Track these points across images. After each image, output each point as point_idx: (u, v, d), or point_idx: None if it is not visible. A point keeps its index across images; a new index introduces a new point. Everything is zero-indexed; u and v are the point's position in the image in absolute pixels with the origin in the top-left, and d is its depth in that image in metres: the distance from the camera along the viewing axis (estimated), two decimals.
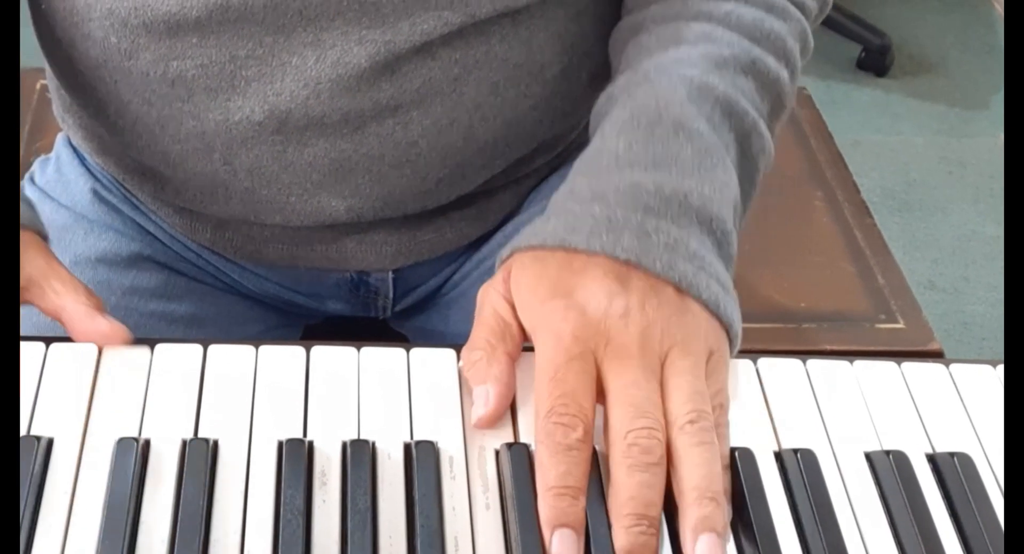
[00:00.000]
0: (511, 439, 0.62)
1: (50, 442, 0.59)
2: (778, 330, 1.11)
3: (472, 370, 0.64)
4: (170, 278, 0.92)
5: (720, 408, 0.62)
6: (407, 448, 0.60)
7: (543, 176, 0.93)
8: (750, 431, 0.64)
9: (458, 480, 0.59)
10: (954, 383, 0.68)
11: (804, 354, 0.68)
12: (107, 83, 0.81)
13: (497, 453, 0.61)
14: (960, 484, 0.62)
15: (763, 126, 0.74)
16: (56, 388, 0.62)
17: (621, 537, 0.57)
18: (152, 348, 0.64)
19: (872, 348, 1.09)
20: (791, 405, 0.65)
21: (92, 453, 0.59)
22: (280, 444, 0.59)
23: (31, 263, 0.67)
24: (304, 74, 0.76)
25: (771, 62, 0.76)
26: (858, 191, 1.28)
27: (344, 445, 0.60)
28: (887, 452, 0.63)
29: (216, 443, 0.60)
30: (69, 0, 0.79)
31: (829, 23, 2.68)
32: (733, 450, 0.61)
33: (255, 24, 0.75)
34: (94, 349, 0.64)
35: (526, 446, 0.60)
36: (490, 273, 0.68)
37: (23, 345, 0.63)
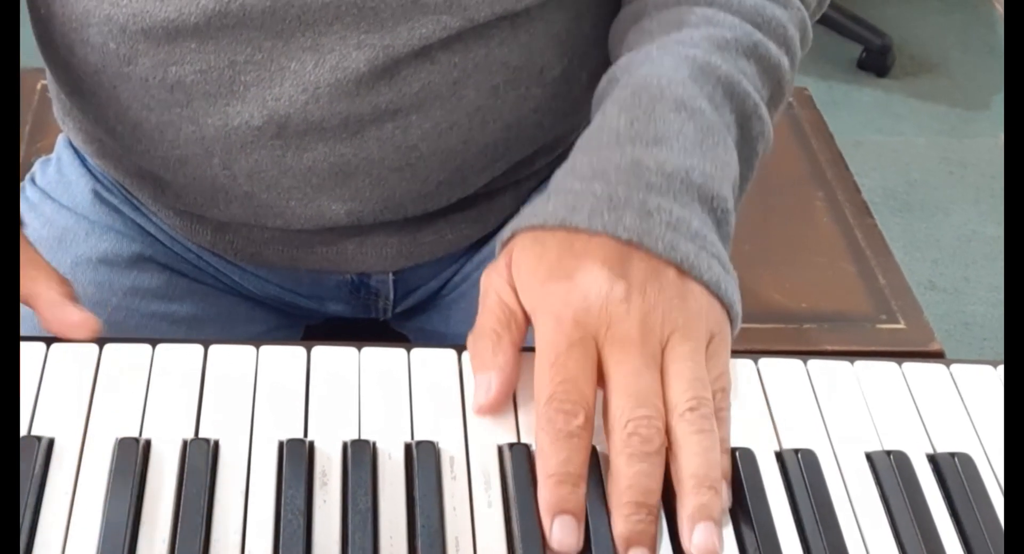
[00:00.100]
0: (512, 439, 0.62)
1: (51, 442, 0.59)
2: (779, 330, 1.11)
3: (476, 358, 0.64)
4: (171, 279, 0.92)
5: (722, 392, 0.62)
6: (408, 448, 0.60)
7: (544, 177, 0.93)
8: (751, 431, 0.64)
9: (459, 480, 0.59)
10: (955, 383, 0.68)
11: (805, 354, 0.68)
12: (106, 88, 0.81)
13: (499, 453, 0.61)
14: (961, 484, 0.62)
15: (764, 110, 0.74)
16: (57, 388, 0.62)
17: (620, 525, 0.57)
18: (153, 348, 0.64)
19: (873, 348, 1.09)
20: (792, 405, 0.65)
21: (93, 453, 0.59)
22: (281, 444, 0.59)
23: None
24: (303, 79, 0.76)
25: (772, 48, 0.76)
26: (859, 191, 1.28)
27: (345, 445, 0.60)
28: (888, 452, 0.63)
29: (217, 443, 0.60)
30: (68, 6, 0.78)
31: (830, 23, 2.68)
32: (734, 450, 0.61)
33: (254, 29, 0.74)
34: (95, 349, 0.64)
35: (527, 446, 0.60)
36: None
37: (24, 345, 0.63)
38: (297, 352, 0.65)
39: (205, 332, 0.92)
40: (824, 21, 2.65)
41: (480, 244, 0.94)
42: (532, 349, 0.63)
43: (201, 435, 0.60)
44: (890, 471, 0.62)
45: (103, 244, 0.90)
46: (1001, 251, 2.21)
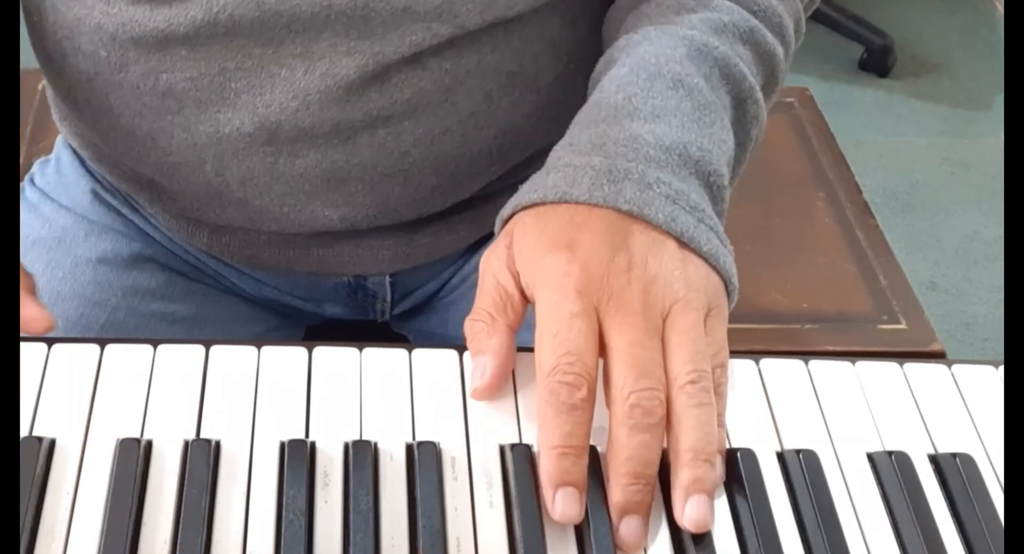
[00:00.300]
0: (514, 439, 0.62)
1: (52, 443, 0.59)
2: (780, 331, 1.11)
3: (472, 341, 0.64)
4: (171, 279, 0.92)
5: (721, 368, 0.62)
6: (409, 449, 0.60)
7: None
8: (753, 432, 0.64)
9: (460, 481, 0.59)
10: (956, 384, 0.68)
11: (806, 355, 0.68)
12: (99, 96, 0.81)
13: (500, 453, 0.61)
14: (962, 485, 0.62)
15: (759, 94, 0.74)
16: (58, 389, 0.62)
17: (617, 494, 0.58)
18: (154, 349, 0.64)
19: (874, 349, 1.09)
20: (793, 406, 0.65)
21: (94, 454, 0.59)
22: (282, 445, 0.59)
23: None
24: (293, 86, 0.76)
25: (768, 36, 0.76)
26: (860, 192, 1.28)
27: (346, 446, 0.60)
28: (889, 453, 0.63)
29: (218, 444, 0.60)
30: (59, 14, 0.79)
31: (831, 24, 2.68)
32: (735, 451, 0.61)
33: (243, 37, 0.74)
34: (96, 350, 0.64)
35: (528, 446, 0.60)
36: None
37: (25, 346, 0.63)
38: (298, 353, 0.65)
39: (205, 332, 0.92)
40: (825, 21, 2.66)
41: (478, 246, 0.94)
42: (531, 349, 0.63)
43: (202, 436, 0.60)
44: (891, 471, 0.62)
45: (103, 244, 0.90)
46: (1002, 251, 2.21)
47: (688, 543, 0.58)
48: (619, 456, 0.58)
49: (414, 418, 0.62)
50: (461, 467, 0.60)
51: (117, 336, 0.74)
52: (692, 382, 0.59)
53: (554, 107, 0.85)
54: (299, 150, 0.79)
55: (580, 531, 0.58)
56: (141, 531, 0.55)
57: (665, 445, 0.59)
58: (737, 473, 0.60)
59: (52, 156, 0.98)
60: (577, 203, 0.64)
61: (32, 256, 0.89)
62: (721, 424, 0.61)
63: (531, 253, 0.63)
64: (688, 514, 0.57)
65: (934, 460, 0.63)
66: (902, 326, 1.12)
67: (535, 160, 0.89)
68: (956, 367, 0.69)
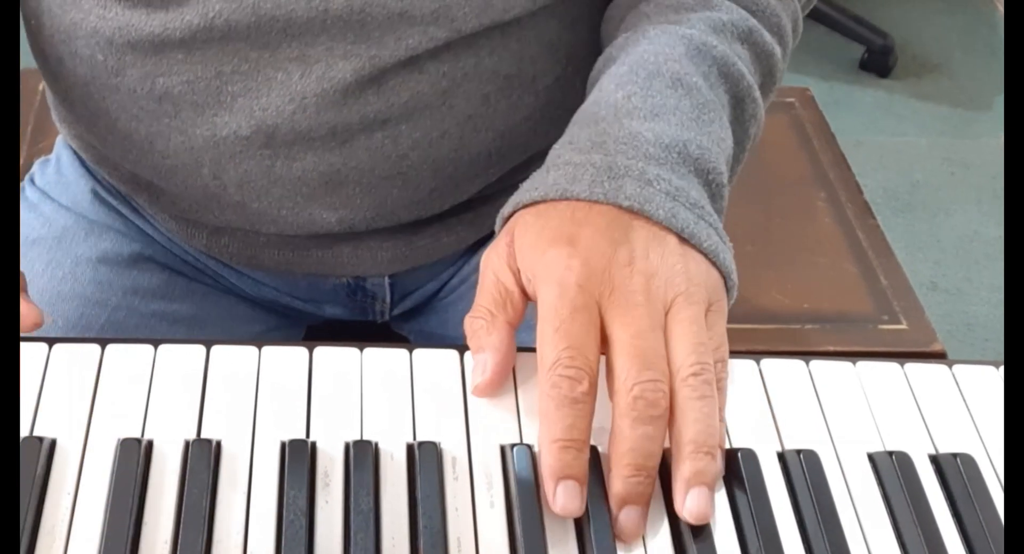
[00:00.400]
0: (515, 439, 0.62)
1: (53, 443, 0.59)
2: (781, 331, 1.11)
3: (472, 339, 0.64)
4: (171, 278, 0.92)
5: (721, 362, 0.62)
6: (410, 449, 0.60)
7: None
8: (753, 432, 0.64)
9: (461, 481, 0.59)
10: (957, 384, 0.68)
11: (807, 355, 0.68)
12: (96, 99, 0.81)
13: (501, 453, 0.61)
14: (963, 485, 0.62)
15: (757, 93, 0.75)
16: (59, 389, 0.62)
17: (618, 485, 0.58)
18: (155, 349, 0.64)
19: (875, 349, 1.09)
20: (794, 406, 0.65)
21: (95, 454, 0.59)
22: (283, 445, 0.59)
23: None
24: (290, 89, 0.76)
25: (766, 35, 0.77)
26: (861, 192, 1.28)
27: (347, 446, 0.60)
28: (890, 453, 0.63)
29: (219, 444, 0.60)
30: (56, 18, 0.79)
31: (832, 24, 2.68)
32: (736, 451, 0.61)
33: (240, 41, 0.74)
34: (97, 349, 0.64)
35: (529, 446, 0.60)
36: None
37: (26, 346, 0.63)
38: (299, 352, 0.65)
39: (205, 332, 0.92)
40: (826, 21, 2.66)
41: (477, 246, 0.93)
42: (532, 350, 0.63)
43: (203, 436, 0.60)
44: (892, 472, 0.62)
45: (103, 244, 0.90)
46: (1003, 251, 2.21)
47: (688, 543, 0.58)
48: (621, 447, 0.58)
49: (415, 418, 0.62)
50: (462, 467, 0.60)
51: (117, 336, 0.74)
52: (695, 374, 0.59)
53: (552, 109, 0.84)
54: (296, 153, 0.79)
55: (581, 531, 0.58)
56: (142, 531, 0.55)
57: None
58: (738, 473, 0.60)
59: (52, 156, 0.98)
60: (578, 200, 0.64)
61: (32, 256, 0.89)
62: (721, 419, 0.61)
63: (532, 249, 0.63)
64: (689, 506, 0.58)
65: (935, 460, 0.63)
66: (903, 326, 1.12)
67: (534, 162, 0.88)
68: (957, 367, 0.69)
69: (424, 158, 0.81)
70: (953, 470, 0.63)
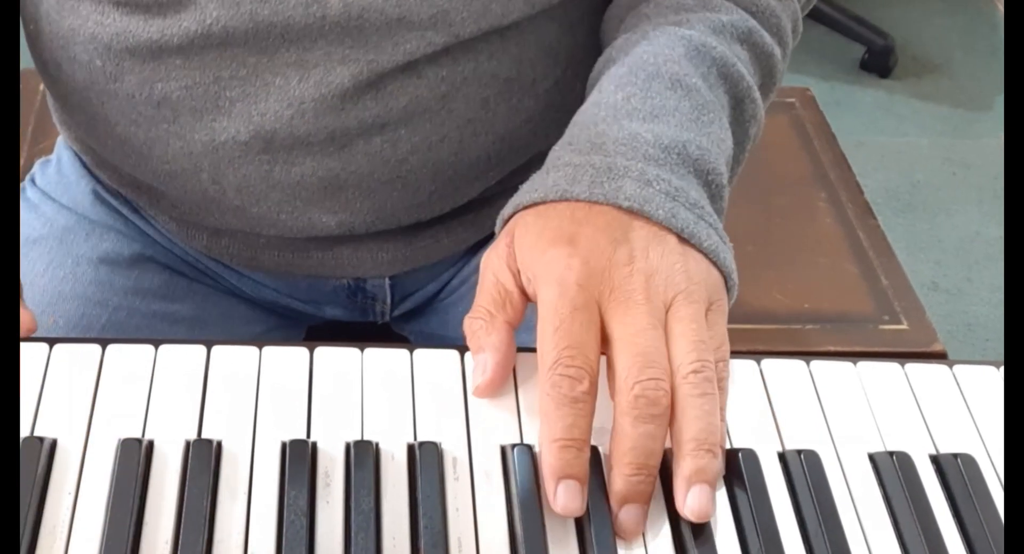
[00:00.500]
0: (515, 440, 0.62)
1: (54, 443, 0.59)
2: (781, 331, 1.11)
3: (471, 339, 0.64)
4: (171, 279, 0.92)
5: (723, 362, 0.62)
6: (411, 449, 0.60)
7: None
8: (754, 432, 0.64)
9: (462, 481, 0.59)
10: (957, 384, 0.68)
11: (807, 355, 0.68)
12: (94, 104, 0.81)
13: (502, 454, 0.61)
14: (963, 485, 0.62)
15: (757, 94, 0.75)
16: (59, 389, 0.62)
17: (619, 483, 0.58)
18: (156, 349, 0.64)
19: (875, 349, 1.09)
20: (794, 406, 0.65)
21: (96, 454, 0.59)
22: (284, 445, 0.59)
23: None
24: (288, 94, 0.76)
25: (766, 36, 0.77)
26: (861, 192, 1.28)
27: (348, 446, 0.60)
28: (891, 453, 0.63)
29: (220, 444, 0.60)
30: (54, 24, 0.79)
31: (832, 24, 2.68)
32: (737, 451, 0.61)
33: (238, 47, 0.74)
34: (97, 350, 0.64)
35: (530, 446, 0.60)
36: None
37: (26, 346, 0.63)
38: (300, 353, 0.65)
39: (206, 332, 0.92)
40: (826, 22, 2.66)
41: (477, 247, 0.93)
42: (534, 350, 0.63)
43: (204, 436, 0.60)
44: (893, 472, 0.62)
45: (104, 244, 0.90)
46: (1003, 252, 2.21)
47: (689, 543, 0.58)
48: (622, 446, 0.58)
49: (415, 418, 0.62)
50: (462, 467, 0.60)
51: (118, 336, 0.74)
52: (696, 372, 0.59)
53: (552, 112, 0.84)
54: (295, 158, 0.78)
55: (581, 531, 0.58)
56: (142, 531, 0.55)
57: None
58: (739, 473, 0.60)
59: (53, 156, 0.98)
60: (578, 201, 0.64)
61: (33, 256, 0.89)
62: (722, 418, 0.61)
63: (532, 250, 0.63)
64: (690, 504, 0.58)
65: (935, 460, 0.63)
66: (903, 326, 1.12)
67: (533, 164, 0.88)
68: (957, 367, 0.69)
69: (423, 162, 0.81)
70: (954, 470, 0.63)
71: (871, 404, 0.66)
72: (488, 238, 0.92)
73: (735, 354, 0.65)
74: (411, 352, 0.65)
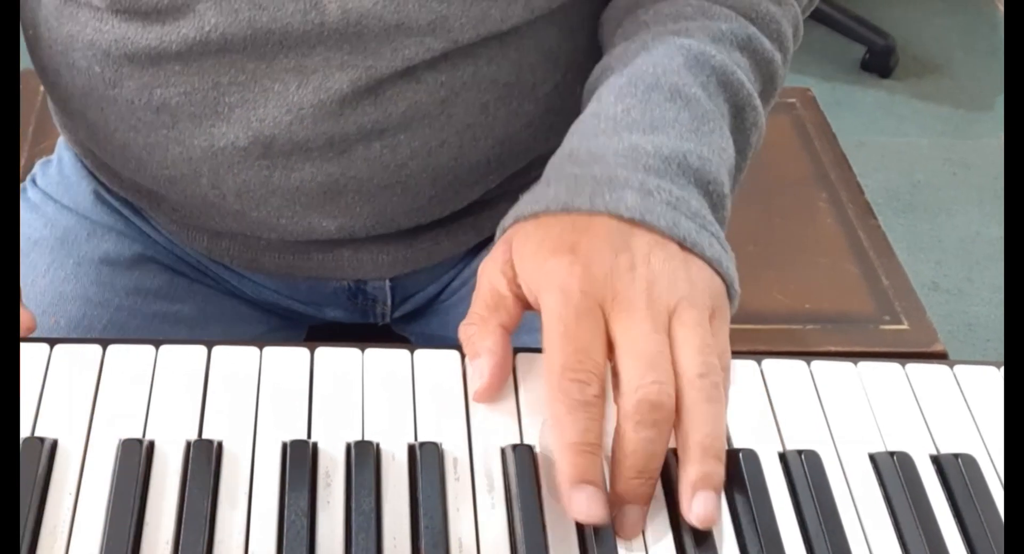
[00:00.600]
0: (516, 440, 0.62)
1: (54, 443, 0.59)
2: (782, 331, 1.11)
3: (467, 345, 0.64)
4: (172, 279, 0.92)
5: (724, 370, 0.62)
6: (411, 449, 0.60)
7: None
8: (754, 432, 0.64)
9: (462, 481, 0.59)
10: (958, 384, 0.68)
11: (808, 355, 0.68)
12: (94, 110, 0.81)
13: (502, 454, 0.61)
14: (964, 485, 0.62)
15: (757, 101, 0.74)
16: (60, 389, 0.62)
17: (619, 485, 0.58)
18: (156, 349, 0.64)
19: (876, 349, 1.09)
20: (795, 406, 0.65)
21: (96, 454, 0.59)
22: (284, 445, 0.59)
23: None
24: (286, 100, 0.76)
25: (766, 43, 0.76)
26: (862, 192, 1.28)
27: (348, 446, 0.60)
28: (891, 453, 0.63)
29: (220, 444, 0.60)
30: (53, 30, 0.79)
31: (833, 24, 2.68)
32: (737, 451, 0.61)
33: (236, 53, 0.74)
34: (98, 350, 0.64)
35: (530, 447, 0.60)
36: None
37: (27, 346, 0.63)
38: (301, 353, 0.65)
39: (207, 332, 0.92)
40: (827, 22, 2.66)
41: (478, 249, 0.93)
42: (537, 350, 0.63)
43: (205, 436, 0.60)
44: (893, 472, 0.62)
45: (105, 244, 0.90)
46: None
47: (690, 543, 0.58)
48: (624, 450, 0.58)
49: (416, 419, 0.62)
50: (463, 468, 0.60)
51: (119, 336, 0.74)
52: (701, 376, 0.59)
53: (552, 116, 0.84)
54: (294, 163, 0.78)
55: (582, 532, 0.58)
56: (143, 532, 0.56)
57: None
58: (739, 473, 0.60)
59: (54, 156, 0.98)
60: (579, 212, 0.64)
61: (35, 256, 0.89)
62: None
63: (532, 259, 0.63)
64: (696, 510, 0.57)
65: (936, 461, 0.63)
66: (904, 327, 1.12)
67: (534, 167, 0.88)
68: (958, 368, 0.69)
69: (423, 167, 0.80)
70: (954, 470, 0.63)
71: (872, 404, 0.66)
72: (489, 239, 0.92)
73: (735, 354, 0.65)
74: (412, 353, 0.65)
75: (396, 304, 0.96)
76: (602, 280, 0.61)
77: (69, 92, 0.82)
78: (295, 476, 0.58)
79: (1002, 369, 0.69)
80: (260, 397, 0.62)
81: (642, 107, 0.69)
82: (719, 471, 0.58)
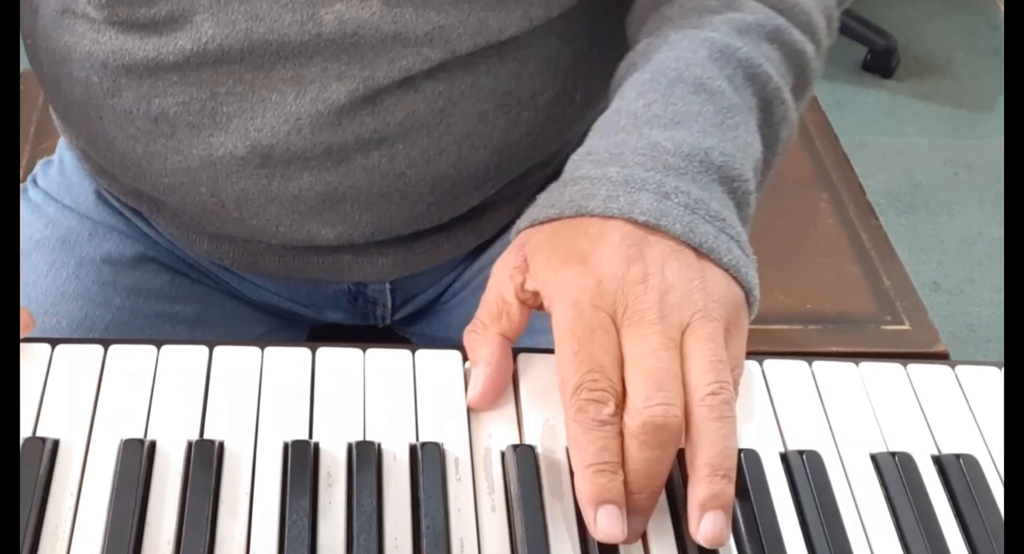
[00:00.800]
0: (517, 441, 0.62)
1: (56, 443, 0.59)
2: (783, 332, 1.11)
3: (469, 351, 0.64)
4: (174, 279, 0.92)
5: (736, 384, 0.61)
6: (413, 450, 0.60)
7: (541, 186, 0.91)
8: (756, 433, 0.64)
9: (464, 482, 0.59)
10: (959, 385, 0.68)
11: (809, 356, 0.68)
12: (93, 119, 0.81)
13: (503, 455, 0.61)
14: (965, 486, 0.62)
15: (787, 94, 0.72)
16: (61, 389, 0.62)
17: None
18: (158, 349, 0.64)
19: (877, 350, 1.09)
20: (797, 407, 0.65)
21: (98, 454, 0.59)
22: (286, 445, 0.59)
23: None
24: (284, 110, 0.76)
25: (796, 33, 0.74)
26: (864, 193, 1.28)
27: (350, 446, 0.60)
28: (892, 454, 0.63)
29: (222, 444, 0.60)
30: (51, 40, 0.79)
31: None
32: (739, 452, 0.61)
33: (234, 63, 0.74)
34: (100, 350, 0.64)
35: (531, 447, 0.60)
36: None
37: (29, 346, 0.63)
38: (302, 353, 0.65)
39: (208, 333, 0.92)
40: None
41: (478, 251, 0.93)
42: (544, 350, 0.62)
43: (206, 436, 0.60)
44: (895, 472, 0.62)
45: (107, 244, 0.90)
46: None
47: (691, 543, 0.57)
48: (627, 466, 0.57)
49: (417, 419, 0.62)
50: (464, 468, 0.60)
51: (121, 336, 0.74)
52: (713, 394, 0.58)
53: (553, 124, 0.83)
54: (292, 173, 0.78)
55: (583, 532, 0.58)
56: (144, 532, 0.56)
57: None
58: (741, 474, 0.60)
59: (55, 157, 0.98)
60: (592, 216, 0.63)
61: (36, 257, 0.89)
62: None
63: (545, 267, 0.63)
64: (704, 530, 0.56)
65: (937, 461, 0.63)
66: (905, 327, 1.12)
67: (534, 172, 0.88)
68: (959, 368, 0.69)
69: (422, 175, 0.80)
70: (956, 471, 0.63)
71: (873, 405, 0.66)
72: (489, 241, 0.92)
73: None
74: (413, 353, 0.65)
75: (396, 306, 0.96)
76: (613, 292, 0.60)
77: (68, 101, 0.82)
78: (296, 476, 0.58)
79: (1003, 369, 0.69)
80: (262, 397, 0.62)
81: (664, 101, 0.68)
82: (728, 491, 0.57)
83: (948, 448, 0.64)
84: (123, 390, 0.62)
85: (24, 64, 0.83)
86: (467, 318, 0.65)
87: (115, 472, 0.58)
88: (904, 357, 0.70)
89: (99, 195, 0.92)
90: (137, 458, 0.58)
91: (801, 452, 0.62)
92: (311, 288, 0.94)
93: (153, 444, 0.59)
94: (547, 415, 0.63)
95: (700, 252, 0.62)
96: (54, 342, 0.64)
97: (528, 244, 0.65)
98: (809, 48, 0.75)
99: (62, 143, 0.97)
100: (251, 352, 0.65)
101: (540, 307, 0.63)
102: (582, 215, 0.63)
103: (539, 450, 0.60)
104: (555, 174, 0.68)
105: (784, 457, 0.62)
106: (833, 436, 0.64)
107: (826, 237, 1.22)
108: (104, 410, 0.61)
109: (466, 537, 0.57)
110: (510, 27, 0.76)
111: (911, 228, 2.28)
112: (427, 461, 0.59)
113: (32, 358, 0.63)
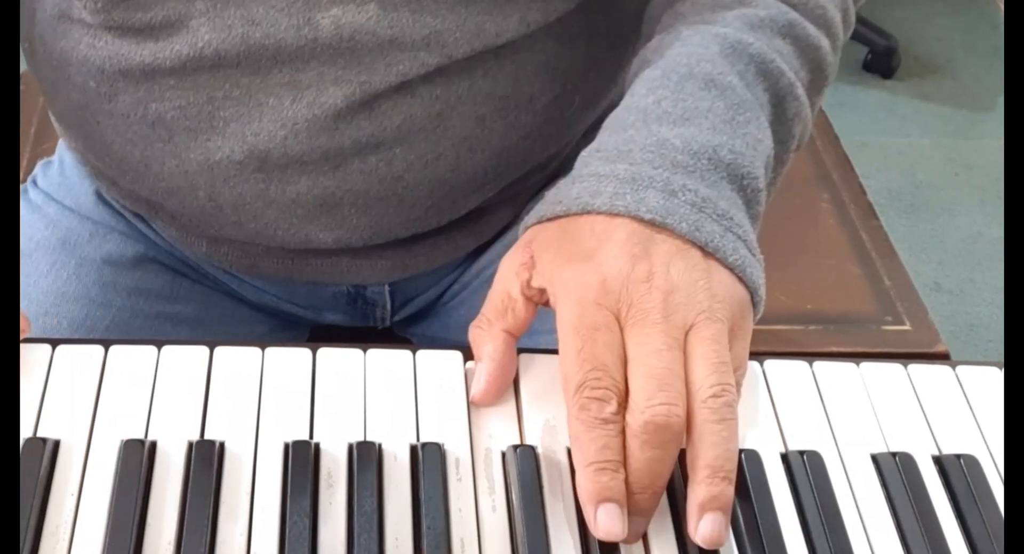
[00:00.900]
0: (517, 441, 0.62)
1: (56, 444, 0.59)
2: (784, 332, 1.11)
3: (473, 347, 0.64)
4: (174, 280, 0.92)
5: (739, 385, 0.61)
6: (413, 450, 0.60)
7: (540, 188, 0.91)
8: (757, 433, 0.64)
9: (464, 482, 0.59)
10: (960, 385, 0.68)
11: (810, 356, 0.68)
12: (90, 123, 0.81)
13: (504, 455, 0.61)
14: (966, 486, 0.62)
15: (800, 90, 0.72)
16: (62, 390, 0.62)
17: None
18: (159, 350, 0.64)
19: (878, 350, 1.09)
20: (797, 407, 0.65)
21: (98, 455, 0.59)
22: (287, 446, 0.59)
23: None
24: (281, 114, 0.76)
25: (810, 28, 0.74)
26: (864, 193, 1.28)
27: (350, 447, 0.60)
28: (893, 454, 0.63)
29: (222, 445, 0.60)
30: (48, 45, 0.79)
31: None
32: (740, 452, 0.61)
33: (230, 68, 0.74)
34: (100, 350, 0.64)
35: (532, 448, 0.60)
36: (491, 282, 0.67)
37: (30, 347, 0.63)
38: (303, 354, 0.65)
39: (209, 333, 0.92)
40: None
41: (477, 253, 0.93)
42: (543, 351, 0.62)
43: (207, 437, 0.60)
44: (895, 473, 0.62)
45: (107, 245, 0.90)
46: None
47: (691, 543, 0.57)
48: (629, 466, 0.57)
49: (418, 419, 0.62)
50: (465, 468, 0.60)
51: (121, 337, 0.75)
52: (715, 396, 0.58)
53: (551, 126, 0.83)
54: (290, 177, 0.78)
55: (584, 532, 0.58)
56: (145, 532, 0.56)
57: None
58: (741, 474, 0.60)
59: (55, 157, 0.98)
60: (599, 213, 0.63)
61: (37, 257, 0.89)
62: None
63: (551, 265, 0.62)
64: (702, 531, 0.56)
65: (938, 461, 0.63)
66: (906, 327, 1.12)
67: (532, 174, 0.88)
68: (960, 368, 0.69)
69: (420, 179, 0.80)
70: (956, 471, 0.63)
71: (874, 405, 0.66)
72: (488, 243, 0.92)
73: None
74: (414, 353, 0.65)
75: (396, 308, 0.96)
76: (617, 291, 0.60)
77: (66, 105, 0.82)
78: (297, 477, 0.58)
79: (1003, 369, 0.69)
80: (262, 398, 0.62)
81: (674, 97, 0.67)
82: (727, 492, 0.57)
83: (949, 448, 0.64)
84: (124, 390, 0.62)
85: (24, 65, 0.83)
86: (467, 319, 0.65)
87: (116, 473, 0.58)
88: (905, 357, 0.70)
89: (99, 196, 0.92)
90: (138, 458, 0.58)
91: (802, 452, 0.62)
92: (310, 290, 0.94)
93: (154, 444, 0.59)
94: (548, 415, 0.63)
95: (706, 251, 0.62)
96: (55, 342, 0.64)
97: (535, 241, 0.65)
98: (824, 42, 0.75)
99: (62, 144, 0.97)
100: (252, 352, 0.65)
101: (547, 303, 0.63)
102: (589, 212, 0.63)
103: (540, 450, 0.60)
104: (554, 176, 0.68)
105: (785, 457, 0.62)
106: (834, 436, 0.64)
107: (827, 237, 1.22)
108: (105, 410, 0.61)
109: (467, 537, 0.57)
110: (507, 31, 0.76)
111: (912, 228, 2.28)
112: (428, 461, 0.59)
113: (33, 358, 0.63)
